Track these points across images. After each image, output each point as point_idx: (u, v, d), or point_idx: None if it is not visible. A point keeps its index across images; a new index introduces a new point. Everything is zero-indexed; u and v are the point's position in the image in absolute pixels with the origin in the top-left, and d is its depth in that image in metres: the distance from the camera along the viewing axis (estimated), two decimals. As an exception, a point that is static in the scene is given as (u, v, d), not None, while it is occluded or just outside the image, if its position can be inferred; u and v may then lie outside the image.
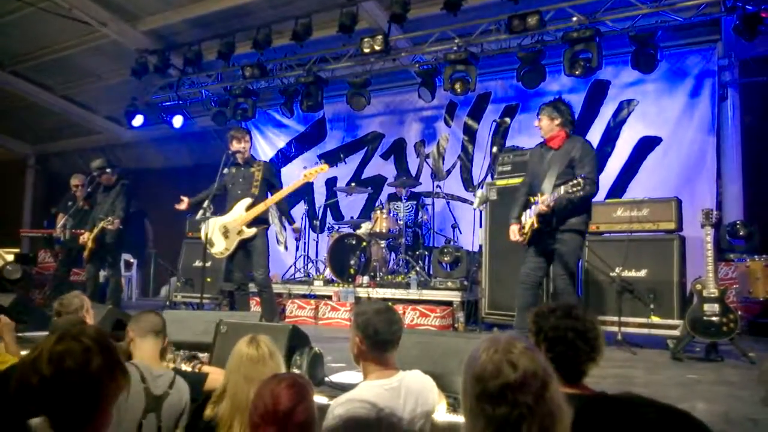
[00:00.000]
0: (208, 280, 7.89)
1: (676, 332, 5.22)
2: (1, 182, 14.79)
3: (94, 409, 1.56)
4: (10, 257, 10.04)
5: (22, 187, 14.66)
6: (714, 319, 4.67)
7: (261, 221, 5.95)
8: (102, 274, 7.36)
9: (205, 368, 3.55)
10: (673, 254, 5.57)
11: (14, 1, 8.51)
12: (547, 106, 4.83)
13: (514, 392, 1.30)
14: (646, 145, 7.77)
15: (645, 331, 5.54)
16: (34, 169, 14.76)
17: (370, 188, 9.35)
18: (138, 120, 10.31)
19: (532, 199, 4.80)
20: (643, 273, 5.66)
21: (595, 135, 8.04)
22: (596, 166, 4.78)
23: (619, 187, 7.78)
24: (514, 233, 4.90)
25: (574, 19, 7.03)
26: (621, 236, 5.89)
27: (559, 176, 4.57)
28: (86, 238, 6.92)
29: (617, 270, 5.69)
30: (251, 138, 6.28)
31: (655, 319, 5.45)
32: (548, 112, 4.76)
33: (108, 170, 7.27)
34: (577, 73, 7.04)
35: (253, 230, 5.85)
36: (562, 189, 4.33)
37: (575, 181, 4.24)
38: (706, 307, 4.71)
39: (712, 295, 4.72)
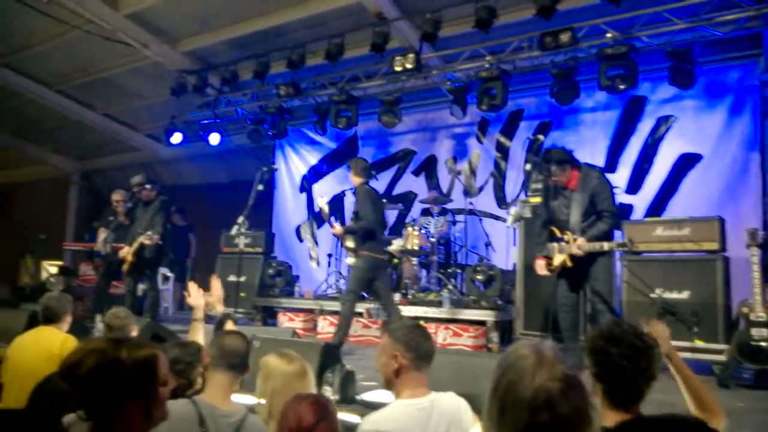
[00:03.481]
0: (242, 294, 7.99)
1: (722, 357, 5.01)
2: (48, 198, 15.27)
3: (104, 417, 1.63)
4: (54, 269, 10.34)
5: (66, 202, 15.09)
6: (762, 344, 4.49)
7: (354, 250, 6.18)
8: (140, 287, 7.51)
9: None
10: (717, 275, 5.37)
11: (61, 24, 8.83)
12: (554, 166, 5.02)
13: (562, 425, 1.26)
14: (685, 163, 7.57)
15: (688, 355, 5.27)
16: (77, 185, 15.17)
17: (400, 205, 9.34)
18: (176, 137, 10.54)
19: (557, 232, 5.10)
20: (685, 294, 5.46)
21: (632, 152, 7.91)
22: (613, 197, 5.16)
23: (658, 206, 7.59)
24: (541, 267, 5.18)
25: (609, 35, 6.93)
26: (661, 256, 5.74)
27: (584, 214, 4.93)
28: (125, 252, 7.08)
29: (658, 291, 5.53)
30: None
31: (699, 343, 5.23)
32: (560, 169, 5.01)
33: (147, 186, 7.44)
34: (615, 88, 6.95)
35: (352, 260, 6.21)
36: (606, 246, 4.78)
37: (624, 242, 4.76)
38: (754, 331, 4.54)
39: (760, 319, 4.55)
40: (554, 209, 5.18)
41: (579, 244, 4.83)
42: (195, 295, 3.53)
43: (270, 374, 2.57)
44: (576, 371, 1.33)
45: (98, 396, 1.62)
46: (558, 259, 5.04)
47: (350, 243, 6.08)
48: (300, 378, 2.56)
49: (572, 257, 4.93)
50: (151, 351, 1.71)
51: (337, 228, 6.20)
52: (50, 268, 10.94)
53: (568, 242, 4.94)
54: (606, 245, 4.72)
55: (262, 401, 2.58)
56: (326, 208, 6.18)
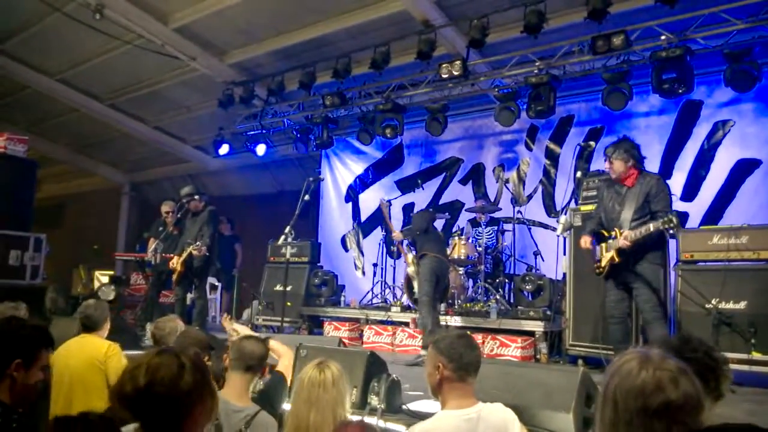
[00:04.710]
0: (289, 304, 8.03)
1: (781, 370, 4.80)
2: (99, 208, 15.74)
3: (176, 425, 1.63)
4: (106, 279, 10.60)
5: (117, 213, 15.51)
6: (826, 356, 4.26)
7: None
8: (189, 296, 7.62)
9: (272, 344, 3.53)
10: (777, 285, 5.14)
11: (113, 39, 9.13)
12: (616, 149, 4.96)
13: (675, 410, 1.34)
14: (743, 169, 7.28)
15: (745, 368, 5.08)
16: (128, 196, 15.59)
17: (447, 214, 9.24)
18: (224, 149, 10.72)
19: (606, 233, 5.00)
20: (742, 305, 5.22)
21: (687, 158, 7.65)
22: (670, 201, 4.95)
23: (714, 214, 7.31)
24: (585, 242, 5.08)
25: (663, 37, 6.74)
26: (717, 265, 5.49)
27: (636, 211, 4.75)
28: (175, 262, 7.19)
29: (713, 301, 5.30)
30: None
31: (757, 355, 5.01)
32: (620, 156, 4.92)
33: (196, 197, 7.54)
34: (670, 93, 6.74)
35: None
36: (652, 226, 4.51)
37: (668, 218, 4.42)
38: (817, 343, 4.32)
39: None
40: (607, 207, 5.07)
41: (625, 235, 4.71)
42: (227, 324, 3.91)
43: (298, 375, 2.69)
44: (683, 364, 1.40)
45: (173, 406, 1.62)
46: (606, 258, 4.91)
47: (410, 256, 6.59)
48: (319, 387, 2.56)
49: (620, 252, 4.78)
50: (196, 351, 1.73)
51: (397, 233, 6.86)
52: (102, 277, 11.20)
53: (615, 237, 4.82)
54: (652, 226, 4.51)
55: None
56: (386, 210, 6.99)
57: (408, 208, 9.98)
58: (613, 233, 4.87)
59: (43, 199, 14.12)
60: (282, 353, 3.44)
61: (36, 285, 7.84)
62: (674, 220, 4.40)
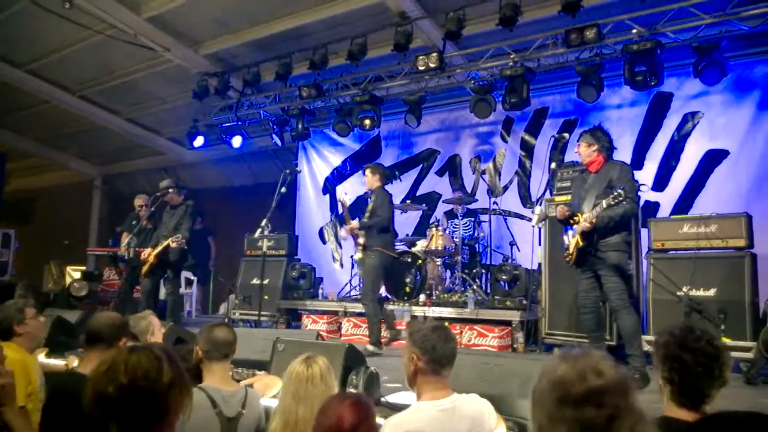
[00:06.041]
0: (266, 297, 7.99)
1: (749, 355, 4.95)
2: (70, 203, 15.45)
3: (159, 419, 1.61)
4: (78, 275, 10.45)
5: (89, 207, 15.24)
6: (791, 341, 4.41)
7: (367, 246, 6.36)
8: (163, 291, 7.53)
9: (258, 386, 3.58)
10: (744, 272, 5.29)
11: (83, 29, 8.94)
12: (585, 133, 5.10)
13: (600, 395, 1.28)
14: (712, 159, 7.44)
15: (715, 353, 5.26)
16: (100, 189, 15.32)
17: (424, 205, 9.30)
18: (199, 141, 10.58)
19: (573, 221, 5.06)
20: (711, 292, 5.40)
21: (658, 149, 7.80)
22: (634, 187, 4.99)
23: (684, 203, 7.47)
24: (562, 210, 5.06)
25: (634, 31, 6.86)
26: (688, 254, 5.64)
27: (598, 196, 4.78)
28: (148, 253, 7.08)
29: (684, 289, 5.45)
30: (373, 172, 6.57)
31: (726, 341, 5.13)
32: (586, 139, 5.03)
33: (170, 190, 7.46)
34: (641, 85, 6.86)
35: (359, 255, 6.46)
36: (604, 202, 4.57)
37: (615, 193, 4.48)
38: (782, 328, 4.46)
39: (789, 316, 4.47)
40: (575, 194, 5.16)
41: (585, 217, 4.77)
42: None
43: (285, 371, 2.69)
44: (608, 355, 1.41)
45: (157, 400, 1.60)
46: (572, 244, 4.96)
47: (362, 240, 6.33)
48: (307, 382, 2.58)
49: (584, 235, 4.82)
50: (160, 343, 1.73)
51: (354, 223, 6.47)
52: (74, 273, 11.04)
53: (578, 222, 4.86)
54: (604, 202, 4.57)
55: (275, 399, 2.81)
56: (347, 203, 6.51)
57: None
58: (576, 218, 4.92)
59: (12, 193, 13.84)
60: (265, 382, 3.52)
61: (5, 281, 7.71)
62: (621, 193, 4.45)
